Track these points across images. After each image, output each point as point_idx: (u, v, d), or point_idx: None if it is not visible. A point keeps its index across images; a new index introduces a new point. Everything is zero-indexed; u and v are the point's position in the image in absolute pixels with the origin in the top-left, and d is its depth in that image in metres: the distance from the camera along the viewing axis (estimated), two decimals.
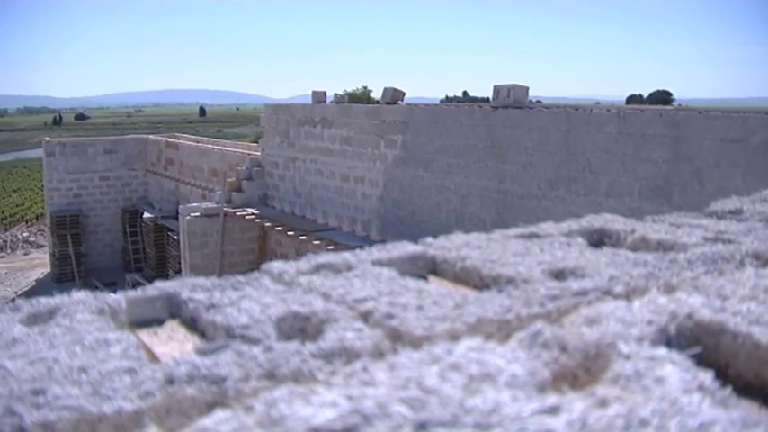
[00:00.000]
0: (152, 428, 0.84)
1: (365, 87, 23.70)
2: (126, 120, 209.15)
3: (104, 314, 1.23)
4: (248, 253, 21.33)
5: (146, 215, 28.75)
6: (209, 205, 21.28)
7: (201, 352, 1.06)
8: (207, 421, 0.82)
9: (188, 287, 1.37)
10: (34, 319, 1.22)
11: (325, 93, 21.23)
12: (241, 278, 1.42)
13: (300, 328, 1.19)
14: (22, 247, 37.93)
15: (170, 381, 0.95)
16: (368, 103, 20.18)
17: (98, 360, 1.02)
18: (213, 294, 1.33)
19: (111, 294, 1.33)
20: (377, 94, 21.65)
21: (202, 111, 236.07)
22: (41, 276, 30.61)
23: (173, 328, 1.28)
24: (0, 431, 0.84)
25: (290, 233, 18.48)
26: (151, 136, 33.81)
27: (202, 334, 1.23)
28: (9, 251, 37.09)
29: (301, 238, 18.03)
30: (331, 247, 16.54)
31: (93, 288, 18.02)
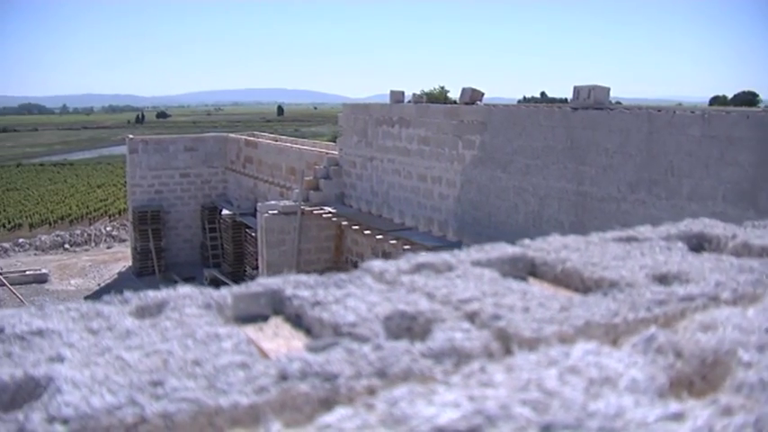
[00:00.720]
0: (275, 424, 0.85)
1: (442, 87, 23.69)
2: (206, 118, 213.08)
3: (211, 309, 1.25)
4: (324, 251, 21.49)
5: (224, 212, 29.21)
6: (287, 203, 21.51)
7: (312, 349, 1.06)
8: (329, 418, 0.82)
9: (291, 284, 1.37)
10: (143, 312, 1.25)
11: (403, 92, 21.25)
12: (343, 276, 1.43)
13: (407, 327, 1.19)
14: (105, 240, 38.94)
15: (283, 377, 0.95)
16: (445, 103, 20.14)
17: (211, 354, 1.03)
18: (317, 292, 1.33)
19: (216, 290, 1.34)
20: (454, 94, 21.59)
21: (280, 110, 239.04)
22: (123, 270, 31.38)
23: (277, 324, 1.28)
24: (122, 420, 0.85)
25: (366, 232, 18.56)
26: (231, 134, 34.35)
27: (308, 331, 1.23)
28: (93, 245, 38.13)
29: (378, 237, 18.08)
30: (407, 247, 16.57)
31: (173, 282, 18.37)
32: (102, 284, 29.66)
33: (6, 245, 36.51)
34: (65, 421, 0.83)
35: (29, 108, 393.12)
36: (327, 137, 59.10)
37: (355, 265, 15.14)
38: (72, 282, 30.11)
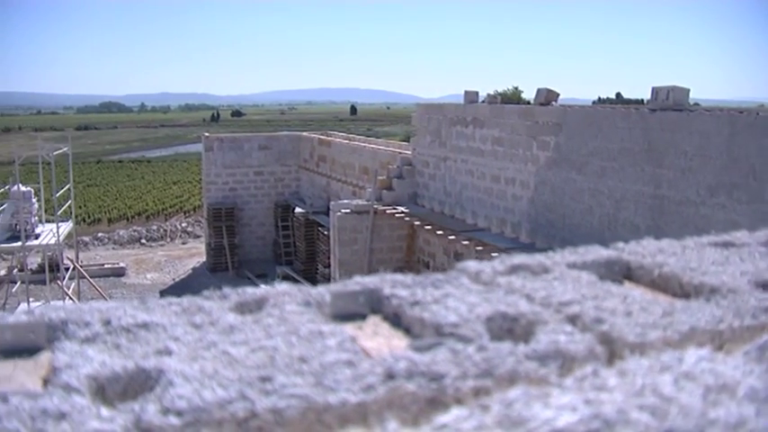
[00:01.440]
0: (391, 423, 0.85)
1: (516, 88, 23.47)
2: (279, 117, 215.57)
3: (311, 306, 1.25)
4: (396, 251, 21.52)
5: (297, 210, 29.47)
6: (360, 202, 21.60)
7: (416, 349, 1.06)
8: (445, 418, 0.82)
9: (389, 283, 1.37)
10: (242, 308, 1.26)
11: (476, 93, 21.14)
12: (440, 276, 1.42)
13: (509, 328, 1.18)
14: (180, 236, 39.69)
15: (390, 376, 0.95)
16: (519, 104, 19.98)
17: (316, 351, 1.03)
18: (415, 291, 1.33)
19: (315, 288, 1.35)
20: (528, 94, 21.39)
21: (353, 109, 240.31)
22: (197, 265, 31.93)
23: (376, 323, 1.29)
24: (234, 414, 0.86)
25: (438, 232, 18.52)
26: (304, 133, 34.66)
27: (407, 330, 1.23)
28: (168, 240, 38.90)
29: (450, 237, 18.03)
30: (479, 248, 16.49)
31: (246, 279, 18.66)
32: (177, 279, 30.24)
33: (86, 239, 37.46)
34: (179, 413, 0.85)
35: (109, 107, 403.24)
36: (400, 136, 59.16)
37: (427, 266, 15.13)
38: (148, 276, 30.77)
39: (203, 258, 32.20)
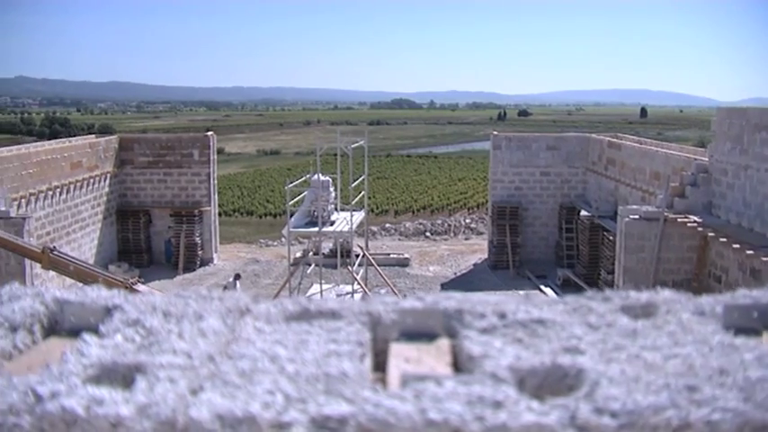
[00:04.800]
0: None
1: None
2: (566, 118, 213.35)
3: (705, 316, 1.21)
4: (685, 262, 20.49)
5: (583, 213, 28.95)
6: (649, 209, 20.81)
7: None
8: None
9: None
10: (628, 311, 1.24)
11: None
12: None
13: None
14: (463, 232, 40.46)
15: None
16: None
17: (735, 364, 0.99)
18: None
19: (701, 297, 1.30)
20: None
21: (643, 111, 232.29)
22: (478, 261, 32.33)
23: None
24: (668, 421, 0.84)
25: (735, 246, 17.39)
26: (593, 135, 33.99)
27: None
28: (452, 235, 39.79)
29: (748, 252, 16.88)
30: None
31: (526, 279, 18.66)
32: (458, 274, 30.83)
33: (374, 228, 39.24)
34: (613, 414, 0.84)
35: (400, 103, 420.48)
36: (693, 141, 56.37)
37: (718, 280, 14.26)
38: (430, 268, 31.64)
39: (485, 255, 32.55)
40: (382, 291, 26.14)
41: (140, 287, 19.25)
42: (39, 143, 33.32)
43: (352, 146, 25.60)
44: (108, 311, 1.23)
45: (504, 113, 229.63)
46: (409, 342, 1.17)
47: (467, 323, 1.17)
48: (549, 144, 32.10)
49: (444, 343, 1.17)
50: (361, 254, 26.51)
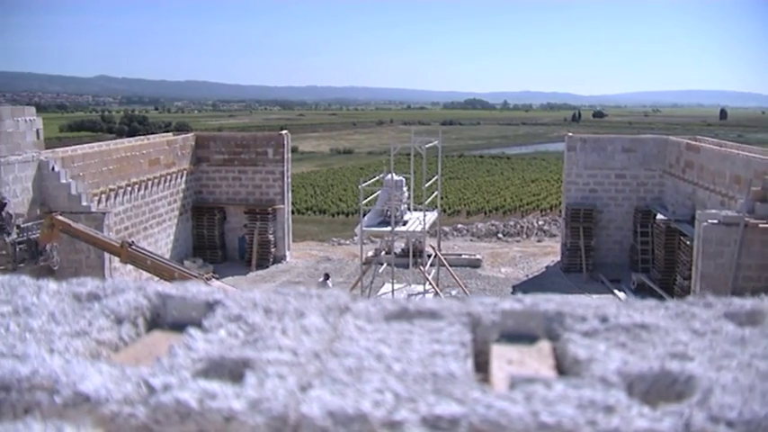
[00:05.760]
0: None
1: None
2: (642, 119, 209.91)
3: None
4: (766, 270, 19.95)
5: (659, 216, 28.41)
6: (729, 213, 20.32)
7: None
8: None
9: None
10: (733, 318, 1.21)
11: None
12: None
13: None
14: (536, 234, 40.10)
15: None
16: None
17: None
18: None
19: None
20: None
21: (723, 113, 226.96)
22: (551, 264, 32.01)
23: None
24: None
25: None
26: (670, 137, 33.34)
27: None
28: (524, 236, 39.46)
29: None
30: None
31: (599, 282, 18.35)
32: (530, 276, 30.57)
33: (446, 228, 39.15)
34: (729, 424, 0.82)
35: (473, 103, 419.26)
36: None
37: None
38: (502, 270, 31.45)
39: (557, 258, 32.22)
40: (453, 291, 26.08)
41: (214, 283, 19.58)
42: (118, 140, 34.16)
43: (426, 146, 25.58)
44: (209, 307, 1.25)
45: (579, 114, 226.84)
46: (509, 344, 1.17)
47: (568, 326, 1.16)
48: (624, 146, 31.58)
49: (545, 345, 1.16)
50: (433, 254, 26.48)
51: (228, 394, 0.89)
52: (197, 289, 1.33)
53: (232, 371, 0.99)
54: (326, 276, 24.89)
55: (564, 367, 1.07)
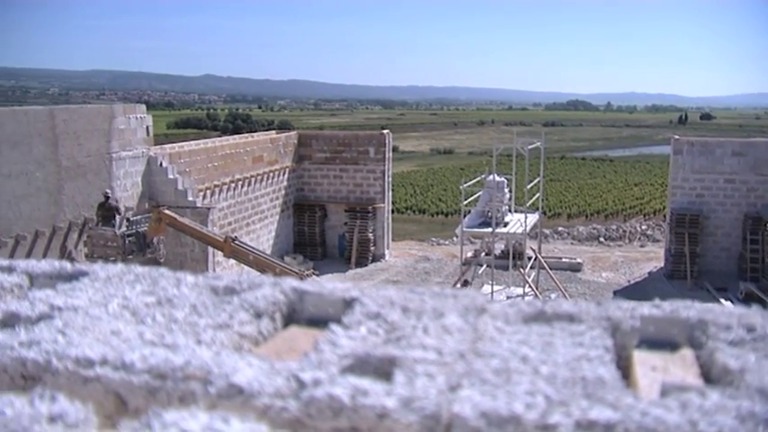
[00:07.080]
0: None
1: None
2: (754, 122, 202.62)
3: None
4: None
5: None
6: None
7: None
8: None
9: None
10: None
11: None
12: None
13: None
14: (639, 239, 39.20)
15: None
16: None
17: None
18: None
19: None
20: None
21: None
22: (654, 270, 31.26)
23: None
24: None
25: None
26: None
27: None
28: (627, 241, 38.64)
29: None
30: None
31: (704, 290, 17.78)
32: (632, 282, 29.93)
33: (547, 231, 38.67)
34: None
35: (575, 104, 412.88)
36: None
37: None
38: (603, 275, 30.88)
39: (661, 264, 31.43)
40: (553, 295, 25.76)
41: (314, 279, 19.83)
42: (223, 138, 34.98)
43: (529, 147, 25.34)
44: (347, 303, 1.27)
45: (686, 116, 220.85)
46: (649, 350, 1.15)
47: (712, 334, 1.13)
48: (734, 150, 30.55)
49: (688, 353, 1.14)
50: (534, 256, 26.21)
51: (379, 391, 0.90)
52: (332, 285, 1.35)
53: (377, 368, 1.00)
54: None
55: (711, 376, 1.05)
